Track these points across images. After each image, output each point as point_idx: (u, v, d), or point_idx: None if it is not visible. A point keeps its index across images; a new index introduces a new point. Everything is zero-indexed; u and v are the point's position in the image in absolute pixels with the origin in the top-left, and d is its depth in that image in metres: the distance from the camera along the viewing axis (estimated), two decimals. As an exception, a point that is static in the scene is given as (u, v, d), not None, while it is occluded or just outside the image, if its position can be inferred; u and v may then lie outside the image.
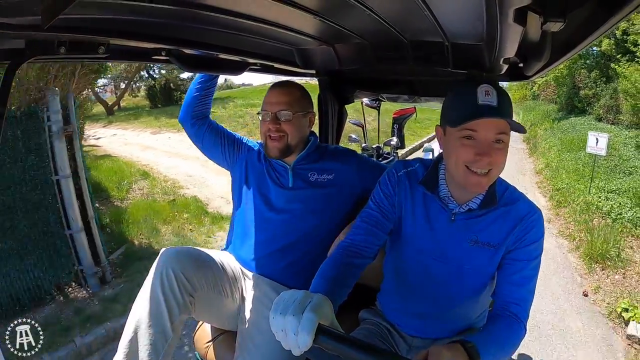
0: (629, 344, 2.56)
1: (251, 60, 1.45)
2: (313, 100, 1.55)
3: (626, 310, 2.83)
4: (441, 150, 1.08)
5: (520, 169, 6.66)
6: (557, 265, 3.64)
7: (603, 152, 4.83)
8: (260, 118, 1.43)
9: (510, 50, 0.90)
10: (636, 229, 3.92)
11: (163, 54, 1.15)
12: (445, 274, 1.09)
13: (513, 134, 0.97)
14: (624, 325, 2.75)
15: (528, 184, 6.11)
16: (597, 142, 4.76)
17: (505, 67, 1.09)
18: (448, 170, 1.05)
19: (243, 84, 25.46)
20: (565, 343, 2.61)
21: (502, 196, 1.06)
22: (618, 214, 4.29)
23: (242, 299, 1.41)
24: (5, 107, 0.82)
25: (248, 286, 1.43)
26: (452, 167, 1.00)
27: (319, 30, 1.24)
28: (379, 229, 1.12)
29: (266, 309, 1.32)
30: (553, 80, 11.97)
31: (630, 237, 3.76)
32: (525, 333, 1.00)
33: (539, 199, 5.66)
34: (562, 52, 0.88)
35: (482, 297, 1.14)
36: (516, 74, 1.17)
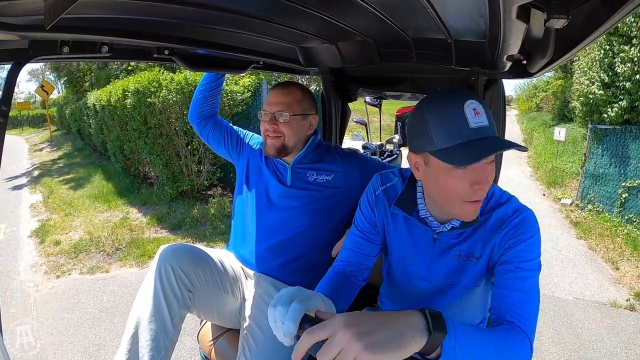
0: (560, 205, 6.22)
1: (254, 59, 1.45)
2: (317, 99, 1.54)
3: (559, 197, 6.57)
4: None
5: (518, 155, 10.35)
6: (532, 189, 7.40)
7: (563, 138, 7.84)
8: (260, 117, 1.42)
9: (514, 47, 0.89)
10: (577, 175, 7.02)
11: (166, 52, 1.15)
12: (433, 292, 1.05)
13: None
14: (559, 201, 6.41)
15: (522, 161, 9.85)
16: (559, 133, 7.77)
17: (509, 64, 1.08)
18: (435, 202, 0.95)
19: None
20: (534, 207, 5.70)
21: (484, 206, 0.95)
22: (569, 170, 7.70)
23: (243, 297, 1.42)
24: (9, 106, 0.82)
25: (249, 284, 1.43)
26: (442, 201, 0.90)
27: (321, 28, 1.24)
28: (365, 254, 1.09)
29: (267, 306, 1.33)
30: (552, 94, 14.58)
31: (571, 179, 7.32)
32: (532, 348, 0.82)
33: (527, 168, 9.24)
34: (566, 49, 0.87)
35: (480, 306, 1.10)
36: (520, 71, 1.16)
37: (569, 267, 4.06)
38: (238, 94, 5.38)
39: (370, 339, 0.61)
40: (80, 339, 2.77)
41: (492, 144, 0.80)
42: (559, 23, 0.62)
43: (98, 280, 3.67)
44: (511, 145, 0.80)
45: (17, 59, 0.85)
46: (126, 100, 5.67)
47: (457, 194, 0.84)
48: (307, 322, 0.71)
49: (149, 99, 5.20)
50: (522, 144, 12.44)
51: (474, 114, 0.80)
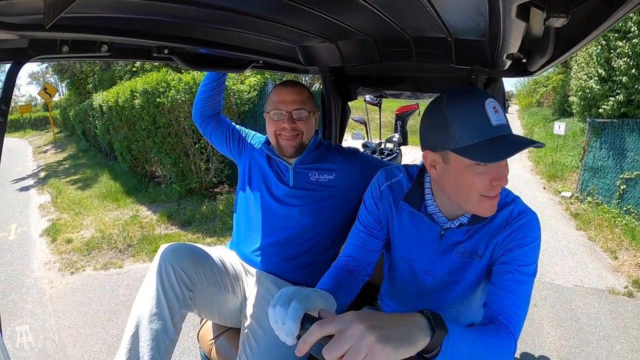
0: (560, 198, 6.43)
1: (254, 58, 1.45)
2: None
3: (559, 190, 6.77)
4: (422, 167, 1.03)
5: (517, 150, 11.06)
6: (534, 182, 7.66)
7: (562, 133, 7.92)
8: (269, 117, 1.40)
9: (514, 46, 0.89)
10: (576, 168, 7.20)
11: (166, 51, 1.15)
12: (437, 287, 1.06)
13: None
14: (559, 194, 6.63)
15: (523, 156, 10.07)
16: (559, 127, 7.85)
17: (509, 62, 1.08)
18: (451, 199, 0.94)
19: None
20: (535, 200, 6.31)
21: None
22: (569, 164, 7.96)
23: (244, 295, 1.42)
24: (9, 105, 0.82)
25: (250, 283, 1.43)
26: (459, 198, 0.90)
27: (321, 27, 1.24)
28: (369, 249, 1.10)
29: (268, 305, 1.33)
30: (552, 89, 15.20)
31: (571, 172, 7.55)
32: (516, 348, 0.86)
33: (527, 162, 9.58)
34: (566, 48, 0.87)
35: (479, 306, 1.09)
36: (519, 69, 1.16)
37: (569, 256, 4.20)
38: (245, 93, 5.50)
39: (382, 332, 0.62)
40: (99, 331, 2.82)
41: (515, 141, 0.82)
42: (558, 22, 0.62)
43: (112, 276, 3.74)
44: (531, 142, 0.81)
45: (17, 58, 0.84)
46: (134, 101, 5.78)
47: (476, 190, 0.86)
48: (309, 321, 0.72)
49: (157, 99, 5.33)
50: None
51: (494, 112, 0.82)
